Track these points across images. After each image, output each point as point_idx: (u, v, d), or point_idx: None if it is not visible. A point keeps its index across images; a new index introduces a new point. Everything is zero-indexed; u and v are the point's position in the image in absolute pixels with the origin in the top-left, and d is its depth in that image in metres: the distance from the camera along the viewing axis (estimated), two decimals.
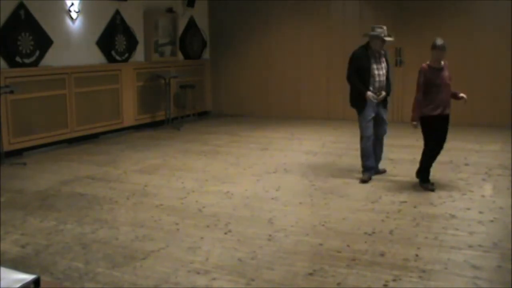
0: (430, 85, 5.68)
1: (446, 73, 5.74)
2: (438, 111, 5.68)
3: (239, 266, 3.95)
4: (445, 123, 5.80)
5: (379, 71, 6.26)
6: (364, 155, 6.42)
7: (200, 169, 7.14)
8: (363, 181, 6.26)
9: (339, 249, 4.22)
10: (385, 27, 6.28)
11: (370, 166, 6.42)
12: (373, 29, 6.32)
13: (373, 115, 6.31)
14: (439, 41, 5.69)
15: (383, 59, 6.34)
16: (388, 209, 5.26)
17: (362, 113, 6.31)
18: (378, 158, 6.62)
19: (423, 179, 5.93)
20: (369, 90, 6.21)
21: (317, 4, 11.35)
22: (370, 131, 6.35)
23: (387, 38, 6.25)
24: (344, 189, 6.03)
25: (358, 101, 6.31)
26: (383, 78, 6.30)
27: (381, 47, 6.27)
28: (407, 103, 10.75)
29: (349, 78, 6.33)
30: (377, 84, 6.25)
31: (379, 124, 6.44)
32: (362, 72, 6.21)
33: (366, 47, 6.29)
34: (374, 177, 6.46)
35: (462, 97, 5.78)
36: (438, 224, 4.81)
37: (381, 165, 6.70)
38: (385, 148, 8.26)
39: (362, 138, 6.41)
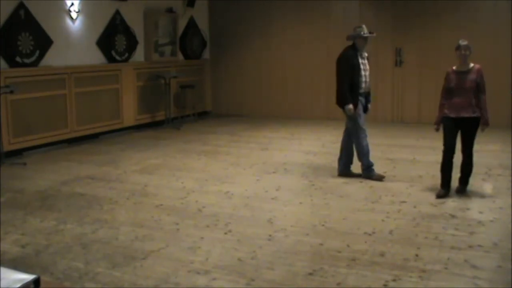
0: (449, 88, 5.58)
1: (470, 77, 5.49)
2: (452, 114, 5.55)
3: (239, 266, 3.95)
4: (457, 126, 5.57)
5: (366, 72, 6.41)
6: (367, 152, 6.42)
7: (200, 169, 7.14)
8: (380, 178, 6.33)
9: (339, 249, 4.22)
10: (364, 25, 6.42)
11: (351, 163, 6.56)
12: (354, 30, 6.42)
13: (362, 115, 6.45)
14: (460, 42, 5.56)
15: (367, 60, 6.48)
16: (388, 209, 5.26)
17: (355, 112, 6.38)
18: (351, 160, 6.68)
19: (441, 183, 5.73)
20: (359, 92, 6.34)
21: (317, 4, 11.35)
22: (361, 128, 6.43)
23: (369, 35, 6.37)
24: (344, 189, 6.03)
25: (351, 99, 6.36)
26: (369, 79, 6.48)
27: (364, 46, 6.40)
28: (407, 103, 10.88)
29: (343, 80, 6.34)
30: (363, 85, 6.37)
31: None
32: (353, 73, 6.30)
33: (353, 48, 6.40)
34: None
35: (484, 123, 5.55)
36: (438, 224, 4.81)
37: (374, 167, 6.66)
38: (385, 148, 8.29)
39: (359, 136, 6.42)
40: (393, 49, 10.79)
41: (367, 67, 6.46)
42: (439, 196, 5.60)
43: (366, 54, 6.50)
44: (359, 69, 6.32)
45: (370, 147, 6.49)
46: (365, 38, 6.36)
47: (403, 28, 10.64)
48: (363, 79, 6.37)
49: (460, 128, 5.61)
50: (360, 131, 6.44)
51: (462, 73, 5.56)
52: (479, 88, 5.49)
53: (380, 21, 10.86)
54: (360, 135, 6.44)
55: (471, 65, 5.56)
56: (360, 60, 6.36)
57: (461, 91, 5.51)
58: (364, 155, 6.42)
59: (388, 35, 10.78)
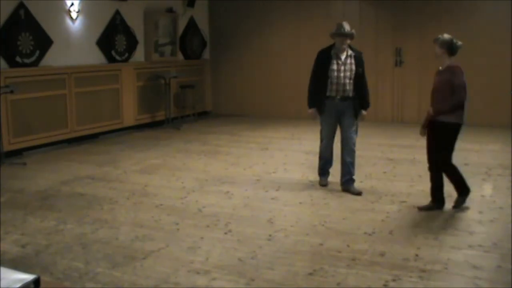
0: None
1: (441, 77, 5.02)
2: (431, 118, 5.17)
3: (239, 266, 3.95)
4: (431, 131, 5.18)
5: (340, 73, 5.74)
6: (319, 158, 6.21)
7: (200, 169, 7.14)
8: (322, 185, 6.10)
9: (339, 249, 4.23)
10: (344, 23, 5.74)
11: (326, 170, 6.18)
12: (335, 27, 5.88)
13: (331, 120, 5.92)
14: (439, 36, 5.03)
15: (351, 61, 5.78)
16: (388, 209, 5.26)
17: (321, 116, 5.97)
18: (346, 171, 5.95)
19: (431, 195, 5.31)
20: (327, 95, 5.82)
21: (317, 4, 11.35)
22: (326, 134, 6.02)
23: (341, 32, 5.69)
24: None
25: (316, 102, 5.96)
26: (345, 81, 5.76)
27: (342, 44, 5.72)
28: (407, 103, 10.88)
29: (309, 81, 6.00)
30: (334, 87, 5.78)
31: (344, 132, 5.94)
32: (320, 72, 5.82)
33: (331, 46, 5.86)
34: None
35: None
36: (438, 224, 4.81)
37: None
38: (385, 148, 8.25)
39: (321, 142, 6.14)
40: (393, 49, 10.79)
41: (348, 68, 5.75)
42: (419, 208, 5.19)
43: (351, 53, 5.79)
44: (326, 70, 5.74)
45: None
46: (341, 36, 5.69)
47: (403, 28, 10.64)
48: (335, 81, 5.75)
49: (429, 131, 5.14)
50: (323, 137, 6.07)
51: (438, 73, 5.11)
52: (452, 89, 4.91)
53: (380, 21, 10.87)
54: (321, 141, 6.12)
55: (448, 63, 5.00)
56: (335, 61, 5.75)
57: (435, 93, 5.12)
58: (320, 160, 6.20)
59: (388, 35, 10.79)
